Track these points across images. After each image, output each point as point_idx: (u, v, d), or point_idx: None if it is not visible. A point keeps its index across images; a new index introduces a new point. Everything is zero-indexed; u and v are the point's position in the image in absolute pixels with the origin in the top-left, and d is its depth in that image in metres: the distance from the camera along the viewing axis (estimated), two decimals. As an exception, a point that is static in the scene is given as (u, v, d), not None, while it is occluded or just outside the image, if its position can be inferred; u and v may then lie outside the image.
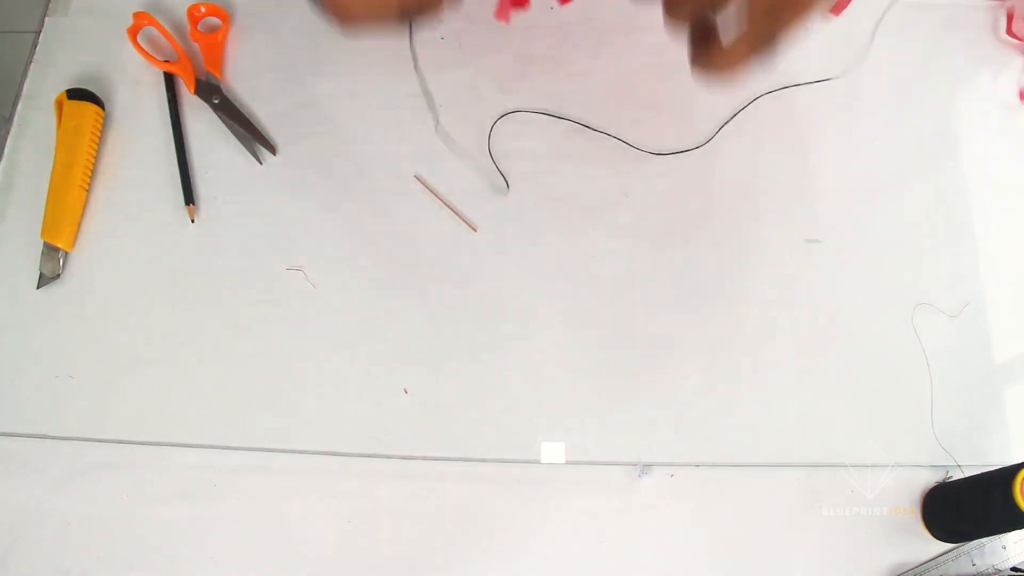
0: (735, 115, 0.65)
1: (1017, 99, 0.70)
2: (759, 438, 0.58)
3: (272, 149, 0.63)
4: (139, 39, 0.64)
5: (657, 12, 0.39)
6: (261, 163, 0.63)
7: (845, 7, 0.46)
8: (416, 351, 0.58)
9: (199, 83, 0.64)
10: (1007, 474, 0.49)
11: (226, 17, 0.66)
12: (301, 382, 0.57)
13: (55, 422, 0.55)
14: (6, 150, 0.62)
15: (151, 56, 0.64)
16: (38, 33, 0.66)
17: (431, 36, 0.67)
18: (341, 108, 0.65)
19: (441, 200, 0.62)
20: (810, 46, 0.66)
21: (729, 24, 0.37)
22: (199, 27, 0.65)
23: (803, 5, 0.36)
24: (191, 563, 0.53)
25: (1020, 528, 0.51)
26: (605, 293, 0.61)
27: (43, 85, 0.64)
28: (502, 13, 0.60)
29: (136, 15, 0.64)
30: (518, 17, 0.64)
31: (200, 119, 0.64)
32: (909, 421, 0.59)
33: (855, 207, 0.64)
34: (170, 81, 0.64)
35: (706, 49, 0.39)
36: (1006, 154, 0.68)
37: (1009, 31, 0.71)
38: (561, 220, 0.62)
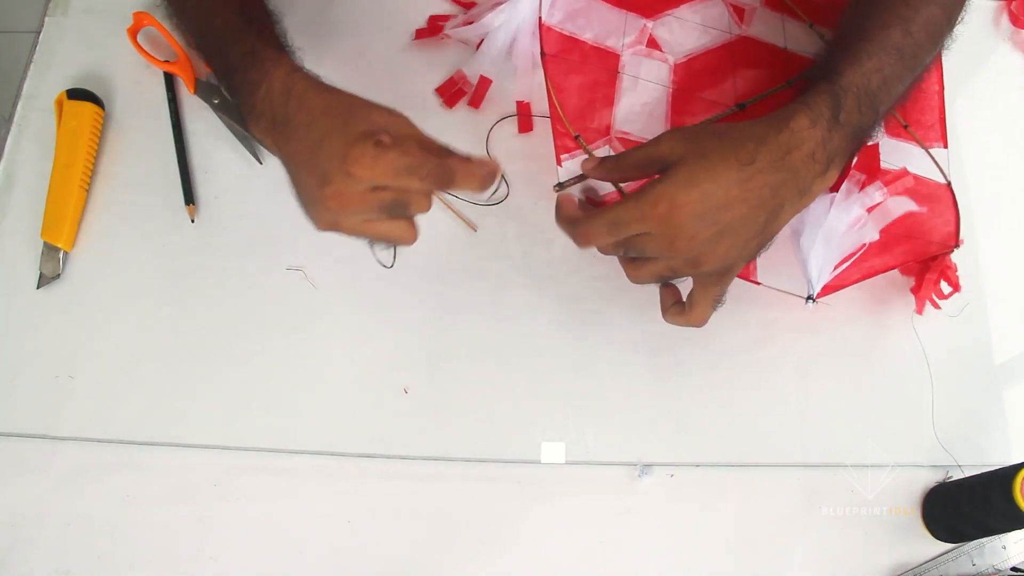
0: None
1: (1018, 96, 0.70)
2: (759, 438, 0.58)
3: (272, 149, 0.63)
4: (139, 39, 0.64)
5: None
6: (261, 163, 0.63)
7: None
8: (416, 351, 0.58)
9: (199, 83, 0.64)
10: (1007, 474, 0.49)
11: (226, 17, 0.66)
12: (301, 382, 0.57)
13: (55, 422, 0.55)
14: (6, 150, 0.62)
15: (151, 56, 0.64)
16: (38, 33, 0.66)
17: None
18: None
19: (441, 200, 0.62)
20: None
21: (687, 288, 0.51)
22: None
23: (734, 272, 0.49)
24: (191, 563, 0.53)
25: (1020, 528, 0.51)
26: (605, 292, 0.61)
27: (43, 85, 0.64)
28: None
29: (136, 15, 0.64)
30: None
31: (200, 119, 0.64)
32: (909, 421, 0.59)
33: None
34: (170, 81, 0.64)
35: (673, 308, 0.52)
36: (1006, 153, 0.68)
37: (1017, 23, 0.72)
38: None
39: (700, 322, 0.51)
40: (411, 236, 0.49)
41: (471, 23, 0.64)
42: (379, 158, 0.44)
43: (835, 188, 0.55)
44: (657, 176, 0.46)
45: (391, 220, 0.47)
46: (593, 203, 0.54)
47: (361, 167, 0.43)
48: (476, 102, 0.64)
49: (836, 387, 0.60)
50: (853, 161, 0.53)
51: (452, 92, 0.64)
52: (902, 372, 0.60)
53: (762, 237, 0.47)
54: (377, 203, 0.45)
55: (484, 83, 0.64)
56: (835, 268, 0.55)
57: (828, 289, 0.55)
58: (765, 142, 0.45)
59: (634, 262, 0.50)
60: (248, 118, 0.49)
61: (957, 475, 0.57)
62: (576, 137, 0.57)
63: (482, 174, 0.46)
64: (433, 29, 0.66)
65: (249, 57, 0.48)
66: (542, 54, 0.59)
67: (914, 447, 0.58)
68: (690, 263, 0.47)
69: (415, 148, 0.45)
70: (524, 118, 0.64)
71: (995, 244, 0.64)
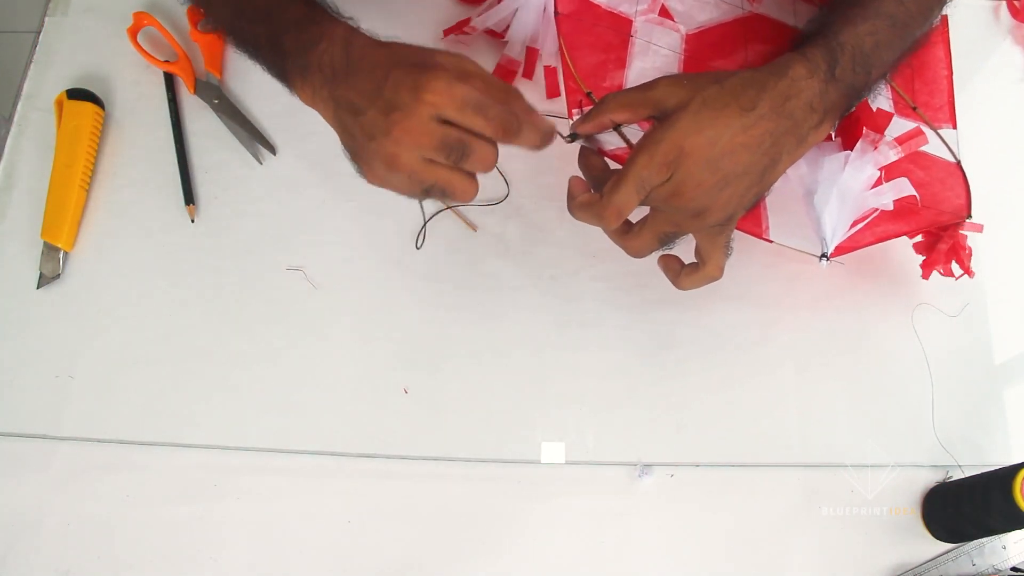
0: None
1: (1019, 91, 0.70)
2: (759, 438, 0.58)
3: (272, 149, 0.63)
4: (139, 39, 0.64)
5: None
6: (261, 163, 0.63)
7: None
8: (416, 351, 0.58)
9: (199, 83, 0.64)
10: (1007, 474, 0.49)
11: (226, 17, 0.66)
12: (301, 382, 0.57)
13: (55, 422, 0.55)
14: (6, 150, 0.62)
15: (151, 56, 0.64)
16: (38, 33, 0.66)
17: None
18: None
19: (441, 200, 0.62)
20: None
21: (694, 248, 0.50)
22: (199, 27, 0.65)
23: (735, 220, 0.49)
24: (191, 563, 0.53)
25: (1020, 528, 0.51)
26: (605, 292, 0.61)
27: (43, 85, 0.64)
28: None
29: (136, 15, 0.64)
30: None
31: (200, 119, 0.64)
32: (909, 421, 0.59)
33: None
34: (170, 81, 0.64)
35: (684, 271, 0.52)
36: (1007, 152, 0.68)
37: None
38: (561, 220, 0.62)
39: (718, 272, 0.51)
40: (471, 189, 0.47)
41: (492, 9, 0.64)
42: (451, 86, 0.43)
43: (849, 146, 0.55)
44: (652, 123, 0.46)
45: (451, 169, 0.46)
46: (604, 154, 0.53)
47: (432, 92, 0.43)
48: (528, 73, 0.65)
49: (836, 387, 0.60)
50: (860, 124, 0.54)
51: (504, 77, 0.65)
52: (902, 372, 0.60)
53: (760, 186, 0.48)
54: (441, 137, 0.44)
55: (532, 53, 0.64)
56: (849, 228, 0.55)
57: (841, 249, 0.55)
58: (765, 89, 0.46)
59: (630, 232, 0.49)
60: (298, 77, 0.48)
61: (957, 475, 0.57)
62: (588, 94, 0.57)
63: (544, 130, 0.46)
64: (460, 24, 0.66)
65: (304, 20, 0.48)
66: (556, 13, 0.59)
67: (914, 447, 0.58)
68: (695, 214, 0.47)
69: (484, 87, 0.44)
70: (551, 81, 0.64)
71: (995, 244, 0.64)
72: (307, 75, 0.48)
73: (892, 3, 0.50)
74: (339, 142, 0.49)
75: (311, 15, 0.49)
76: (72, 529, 0.53)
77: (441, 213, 0.62)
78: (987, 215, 0.64)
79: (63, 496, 0.54)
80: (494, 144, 0.46)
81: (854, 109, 0.53)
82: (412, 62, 0.45)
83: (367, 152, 0.46)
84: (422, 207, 0.62)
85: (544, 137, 0.47)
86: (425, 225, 0.61)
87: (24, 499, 0.54)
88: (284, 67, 0.49)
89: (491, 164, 0.47)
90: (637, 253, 0.50)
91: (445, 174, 0.46)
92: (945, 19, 0.62)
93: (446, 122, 0.44)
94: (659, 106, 0.46)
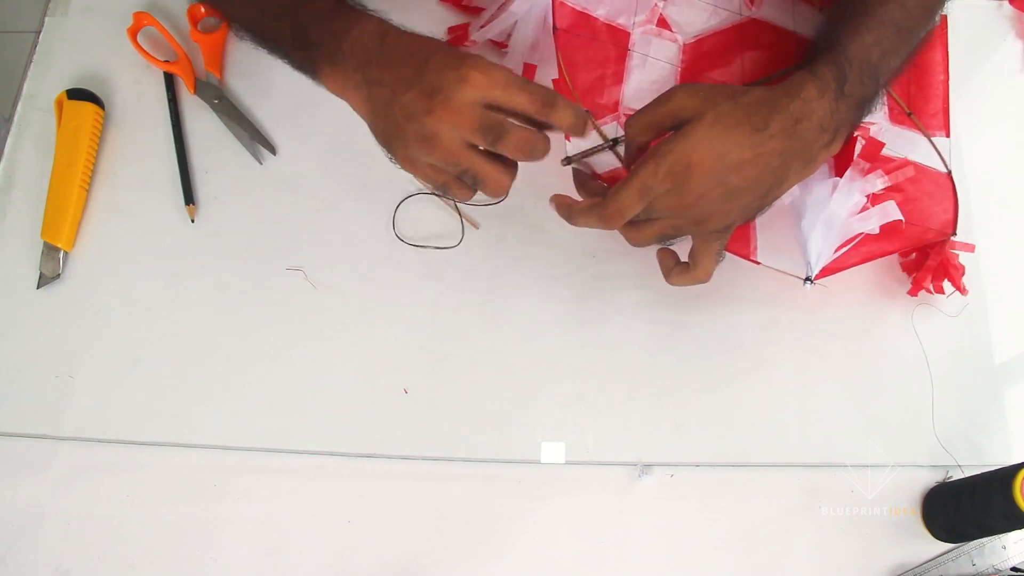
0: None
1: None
2: (759, 438, 0.58)
3: (272, 149, 0.63)
4: (139, 39, 0.64)
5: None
6: (261, 163, 0.63)
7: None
8: (416, 351, 0.58)
9: (199, 83, 0.64)
10: (1007, 474, 0.49)
11: (226, 17, 0.66)
12: (301, 382, 0.57)
13: (55, 422, 0.55)
14: (6, 150, 0.62)
15: (151, 56, 0.64)
16: (38, 33, 0.66)
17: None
18: (341, 108, 0.64)
19: (442, 199, 0.62)
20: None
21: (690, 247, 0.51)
22: (199, 27, 0.65)
23: (733, 228, 0.50)
24: (191, 563, 0.53)
25: (1020, 528, 0.51)
26: (605, 292, 0.61)
27: (43, 85, 0.64)
28: None
29: (136, 15, 0.64)
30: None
31: (200, 119, 0.64)
32: (909, 421, 0.59)
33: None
34: (170, 81, 0.64)
35: (675, 269, 0.53)
36: (1009, 151, 0.68)
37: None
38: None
39: (706, 277, 0.52)
40: (504, 180, 0.48)
41: (492, 21, 0.64)
42: (494, 68, 0.45)
43: (839, 173, 0.56)
44: (670, 133, 0.47)
45: (487, 158, 0.47)
46: (598, 176, 0.54)
47: (477, 71, 0.45)
48: None
49: (836, 387, 0.60)
50: (858, 147, 0.54)
51: None
52: (902, 372, 0.60)
53: (764, 200, 0.49)
54: (481, 117, 0.45)
55: (529, 70, 0.64)
56: (834, 252, 0.56)
57: (826, 271, 0.56)
58: (778, 109, 0.46)
59: (635, 225, 0.50)
60: (326, 65, 0.49)
61: (957, 475, 0.57)
62: (585, 112, 0.57)
63: (578, 112, 0.47)
64: (458, 40, 0.66)
65: (333, 11, 0.49)
66: (554, 28, 0.59)
67: (914, 447, 0.58)
68: (695, 221, 0.48)
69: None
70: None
71: (995, 244, 0.64)
72: (338, 62, 0.49)
73: (896, 8, 0.51)
74: (369, 131, 0.49)
75: (339, 7, 0.49)
76: (72, 529, 0.53)
77: (442, 212, 0.62)
78: (988, 215, 0.64)
79: (63, 496, 0.54)
80: (530, 131, 0.47)
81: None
82: (451, 48, 0.47)
83: (405, 132, 0.47)
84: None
85: (578, 118, 0.47)
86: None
87: (24, 499, 0.54)
88: (311, 57, 0.50)
89: (528, 149, 0.47)
90: (636, 244, 0.51)
91: (481, 161, 0.47)
92: (944, 21, 0.61)
93: (487, 108, 0.45)
94: (678, 117, 0.47)
